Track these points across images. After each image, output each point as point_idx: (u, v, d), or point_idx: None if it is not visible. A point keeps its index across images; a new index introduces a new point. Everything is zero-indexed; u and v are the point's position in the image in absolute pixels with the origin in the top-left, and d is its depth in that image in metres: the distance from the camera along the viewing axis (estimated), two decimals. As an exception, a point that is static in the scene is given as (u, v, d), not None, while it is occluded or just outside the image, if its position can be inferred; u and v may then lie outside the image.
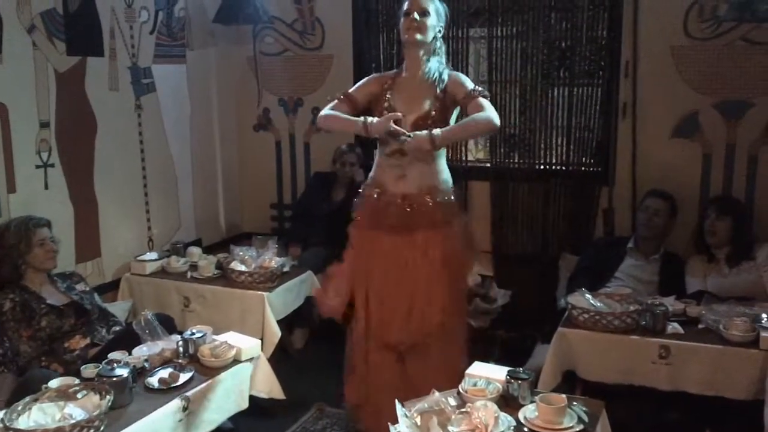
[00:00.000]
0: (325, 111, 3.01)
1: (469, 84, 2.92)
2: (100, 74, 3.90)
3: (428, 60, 2.93)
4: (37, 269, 3.19)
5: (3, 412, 2.30)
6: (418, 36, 2.88)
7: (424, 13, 2.88)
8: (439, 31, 2.95)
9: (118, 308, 3.73)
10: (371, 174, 3.06)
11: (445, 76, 2.94)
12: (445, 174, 3.01)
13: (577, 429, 2.21)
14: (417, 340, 2.91)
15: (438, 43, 2.96)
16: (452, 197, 3.02)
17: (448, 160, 4.55)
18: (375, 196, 2.97)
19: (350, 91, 3.05)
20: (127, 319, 3.70)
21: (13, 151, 3.42)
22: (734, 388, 2.87)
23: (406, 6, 2.92)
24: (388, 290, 2.95)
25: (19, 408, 2.28)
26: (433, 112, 2.88)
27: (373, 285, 2.98)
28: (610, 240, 4.09)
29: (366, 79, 3.13)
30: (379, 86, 3.01)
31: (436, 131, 2.77)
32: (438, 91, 2.91)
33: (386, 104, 2.93)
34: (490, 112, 2.80)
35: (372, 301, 2.98)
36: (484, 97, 2.87)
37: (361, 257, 3.02)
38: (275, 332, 3.69)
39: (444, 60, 3.00)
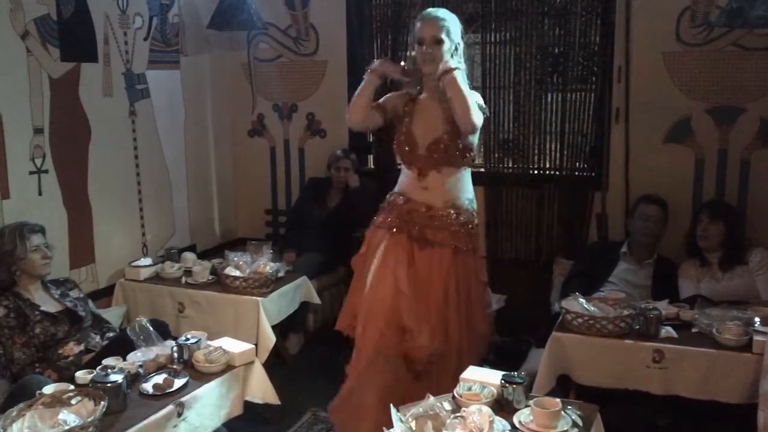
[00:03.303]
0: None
1: (479, 102, 2.93)
2: (94, 80, 3.90)
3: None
4: (31, 276, 3.18)
5: (-3, 418, 2.29)
6: (432, 67, 2.90)
7: (438, 41, 2.88)
8: (455, 48, 2.94)
9: (113, 314, 3.72)
10: (396, 187, 3.10)
11: None
12: (469, 194, 3.07)
13: (572, 433, 2.22)
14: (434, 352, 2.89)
15: (455, 55, 2.95)
16: (476, 221, 3.07)
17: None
18: (401, 201, 3.01)
19: (380, 101, 3.08)
20: (122, 325, 3.69)
21: (6, 157, 3.42)
22: (727, 392, 2.88)
23: (418, 32, 2.93)
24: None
25: (13, 414, 2.27)
26: (445, 136, 2.92)
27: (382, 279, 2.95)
28: (604, 245, 4.10)
29: (389, 95, 3.15)
30: (401, 106, 3.07)
31: (455, 71, 2.81)
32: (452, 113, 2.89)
33: (404, 128, 3.02)
34: (478, 118, 2.83)
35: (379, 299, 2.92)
36: (483, 113, 2.92)
37: (372, 256, 3.01)
38: (270, 338, 3.68)
39: (464, 70, 2.95)
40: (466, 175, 3.05)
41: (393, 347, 2.89)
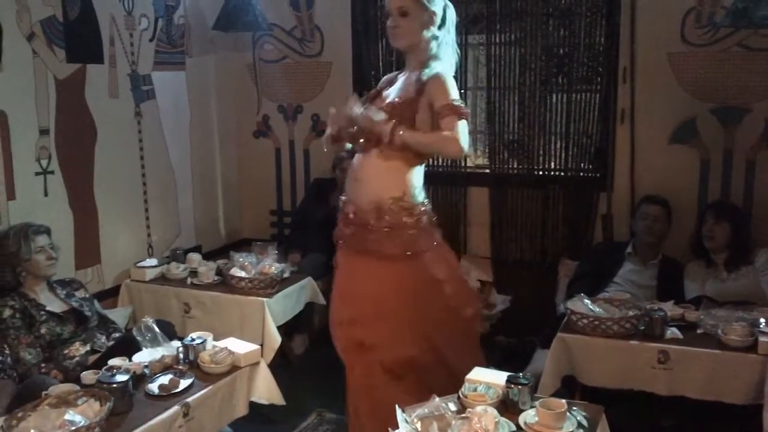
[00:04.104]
0: None
1: (452, 93, 2.52)
2: (100, 81, 3.91)
3: (428, 68, 2.59)
4: (37, 276, 3.19)
5: (3, 418, 2.30)
6: (400, 42, 2.62)
7: (404, 13, 2.55)
8: (435, 35, 2.59)
9: (118, 315, 3.73)
10: None
11: (428, 73, 2.58)
12: (409, 188, 2.64)
13: (577, 434, 2.22)
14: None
15: (438, 48, 2.62)
16: (420, 219, 2.66)
17: (445, 166, 4.63)
18: (341, 203, 2.81)
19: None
20: (127, 326, 3.70)
21: (12, 158, 3.43)
22: (733, 393, 2.87)
23: (387, 2, 2.62)
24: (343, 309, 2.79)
25: (19, 414, 2.28)
26: (397, 99, 2.59)
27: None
28: (609, 245, 4.10)
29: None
30: (386, 83, 2.83)
31: (400, 127, 2.48)
32: (417, 86, 2.58)
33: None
34: (462, 139, 2.43)
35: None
36: (462, 116, 2.48)
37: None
38: (275, 338, 3.69)
39: (450, 68, 2.66)
40: (414, 167, 2.66)
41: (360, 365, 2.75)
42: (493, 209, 4.47)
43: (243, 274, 3.83)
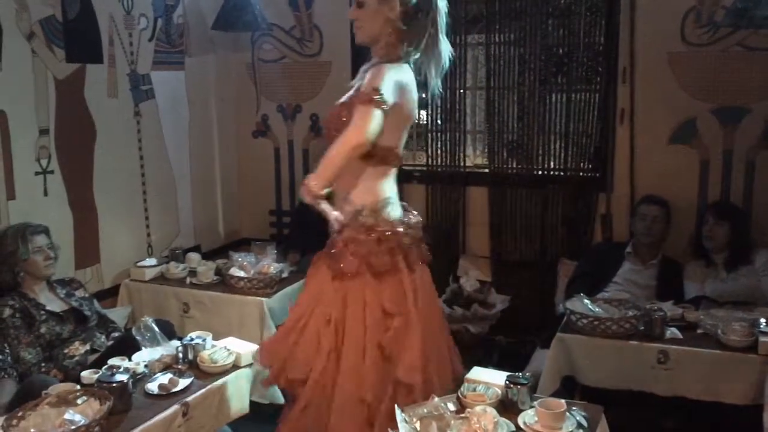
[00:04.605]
0: None
1: (378, 81, 2.17)
2: (99, 81, 3.91)
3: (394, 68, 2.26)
4: (36, 276, 3.19)
5: (3, 418, 2.30)
6: (359, 37, 2.36)
7: (360, 3, 2.27)
8: (401, 28, 2.24)
9: (118, 314, 3.73)
10: None
11: (368, 66, 2.33)
12: (371, 196, 2.32)
13: (577, 434, 2.22)
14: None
15: (413, 47, 2.28)
16: (382, 237, 2.28)
17: (444, 166, 4.63)
18: None
19: None
20: (127, 325, 3.70)
21: (12, 157, 3.42)
22: (733, 393, 2.88)
23: None
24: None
25: (19, 414, 2.28)
26: (345, 99, 2.34)
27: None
28: (609, 245, 4.10)
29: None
30: (361, 74, 2.47)
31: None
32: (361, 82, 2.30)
33: None
34: (351, 127, 2.15)
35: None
36: (369, 102, 2.14)
37: None
38: (274, 338, 3.69)
39: (435, 68, 2.36)
40: (385, 172, 2.35)
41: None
42: (493, 209, 4.47)
43: (242, 273, 3.83)
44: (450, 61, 2.40)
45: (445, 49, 2.34)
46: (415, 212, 2.49)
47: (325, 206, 2.24)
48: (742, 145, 3.89)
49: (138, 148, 4.23)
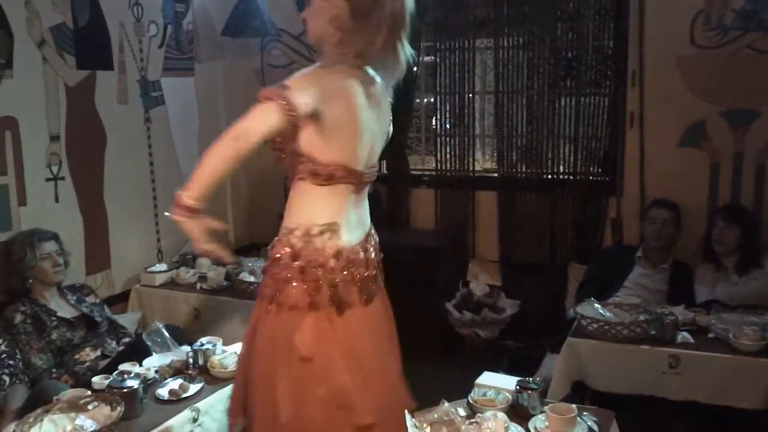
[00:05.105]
0: None
1: (289, 79, 1.93)
2: (110, 88, 3.94)
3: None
4: (45, 282, 3.21)
5: (14, 423, 2.31)
6: (309, 39, 2.09)
7: (308, 2, 2.02)
8: (347, 28, 1.92)
9: (128, 320, 3.75)
10: None
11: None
12: (308, 218, 2.00)
13: (587, 439, 2.21)
14: None
15: (359, 52, 1.94)
16: (310, 262, 1.96)
17: (454, 170, 4.62)
18: None
19: None
20: (137, 331, 3.71)
21: (23, 164, 3.45)
22: (745, 398, 2.86)
23: None
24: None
25: (31, 419, 2.29)
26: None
27: None
28: (619, 249, 4.08)
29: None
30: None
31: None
32: None
33: None
34: (232, 127, 1.97)
35: None
36: (265, 99, 1.93)
37: None
38: (284, 343, 3.68)
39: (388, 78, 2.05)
40: (316, 190, 2.01)
41: None
42: (502, 213, 4.47)
43: (252, 278, 3.84)
44: (401, 75, 2.04)
45: (404, 55, 2.00)
46: (377, 248, 2.14)
47: (196, 225, 1.96)
48: (752, 148, 3.87)
49: (148, 154, 4.25)
